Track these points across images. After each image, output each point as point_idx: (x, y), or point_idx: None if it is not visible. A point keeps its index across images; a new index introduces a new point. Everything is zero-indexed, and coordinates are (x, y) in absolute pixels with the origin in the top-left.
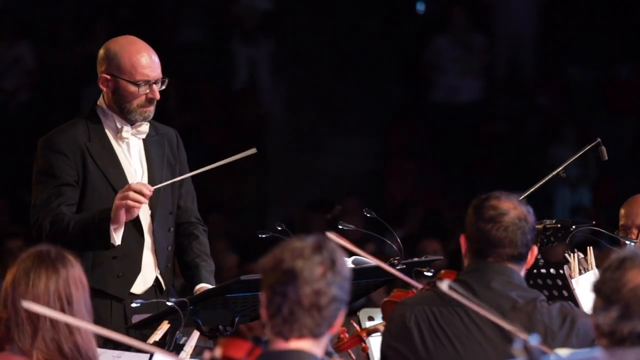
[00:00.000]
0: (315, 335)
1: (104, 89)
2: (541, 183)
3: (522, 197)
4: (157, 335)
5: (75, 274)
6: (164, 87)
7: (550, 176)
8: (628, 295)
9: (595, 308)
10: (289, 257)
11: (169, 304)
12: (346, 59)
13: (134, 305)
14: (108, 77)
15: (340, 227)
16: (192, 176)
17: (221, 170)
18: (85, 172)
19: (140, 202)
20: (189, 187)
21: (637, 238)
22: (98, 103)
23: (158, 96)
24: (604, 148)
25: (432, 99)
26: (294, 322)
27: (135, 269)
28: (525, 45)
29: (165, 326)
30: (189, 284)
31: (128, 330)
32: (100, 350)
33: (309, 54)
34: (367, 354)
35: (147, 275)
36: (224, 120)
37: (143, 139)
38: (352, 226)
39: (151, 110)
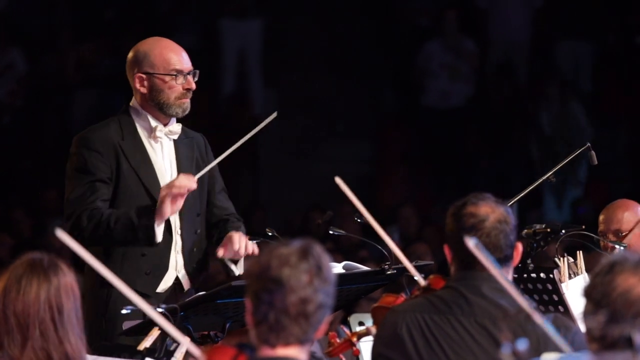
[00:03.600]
0: (302, 342)
1: (140, 89)
2: (531, 188)
3: (512, 202)
4: (147, 342)
5: (67, 282)
6: (196, 79)
7: (540, 181)
8: (618, 299)
9: (586, 313)
10: (275, 265)
11: (160, 310)
12: (338, 64)
13: (124, 311)
14: (143, 75)
15: (331, 232)
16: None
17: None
18: (118, 170)
19: (186, 189)
20: (220, 186)
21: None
22: (131, 104)
23: (194, 86)
24: (593, 152)
25: (423, 104)
26: (281, 331)
27: (163, 268)
28: (517, 51)
29: (155, 332)
30: (218, 243)
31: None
32: (91, 358)
33: (302, 59)
34: (358, 358)
35: (169, 275)
36: (216, 126)
37: (174, 141)
38: (343, 232)
39: (188, 102)
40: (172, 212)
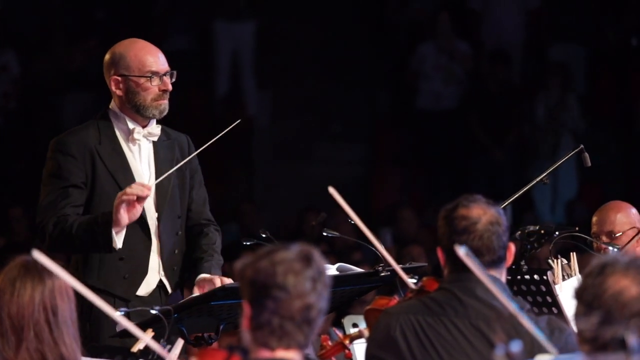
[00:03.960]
0: (302, 346)
1: (117, 92)
2: (524, 190)
3: (505, 204)
4: (141, 344)
5: (61, 284)
6: (174, 80)
7: (533, 183)
8: (609, 301)
9: (577, 314)
10: (281, 272)
11: (153, 312)
12: (333, 66)
13: (118, 313)
14: (119, 78)
15: (325, 234)
16: (190, 160)
17: (207, 177)
18: (94, 174)
19: (137, 196)
20: (201, 191)
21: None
22: (110, 107)
23: (170, 87)
24: (587, 154)
25: (417, 106)
26: (284, 336)
27: (142, 272)
28: (511, 53)
29: (149, 334)
30: (192, 278)
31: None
32: None
33: (296, 62)
34: None
35: (151, 278)
36: (210, 128)
37: (154, 142)
38: (337, 233)
39: (166, 103)
40: (130, 219)
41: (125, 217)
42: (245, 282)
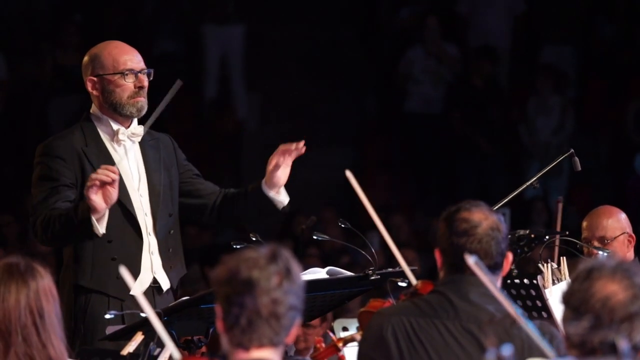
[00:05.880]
0: (275, 343)
1: (94, 92)
2: (514, 194)
3: (496, 207)
4: (131, 347)
5: (45, 285)
6: (151, 79)
7: (523, 187)
8: (597, 305)
9: (565, 319)
10: (245, 268)
11: (143, 315)
12: (321, 70)
13: (107, 316)
14: (95, 78)
15: (314, 237)
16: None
17: None
18: (83, 176)
19: (107, 178)
20: (201, 178)
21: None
22: (91, 110)
23: (146, 84)
24: (577, 159)
25: (406, 109)
26: (253, 332)
27: (135, 271)
28: (499, 57)
29: (139, 337)
30: (250, 195)
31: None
32: None
33: (285, 65)
34: None
35: (145, 277)
36: (199, 133)
37: (139, 143)
38: (327, 237)
39: (143, 100)
40: (107, 203)
41: (99, 201)
42: (215, 283)
